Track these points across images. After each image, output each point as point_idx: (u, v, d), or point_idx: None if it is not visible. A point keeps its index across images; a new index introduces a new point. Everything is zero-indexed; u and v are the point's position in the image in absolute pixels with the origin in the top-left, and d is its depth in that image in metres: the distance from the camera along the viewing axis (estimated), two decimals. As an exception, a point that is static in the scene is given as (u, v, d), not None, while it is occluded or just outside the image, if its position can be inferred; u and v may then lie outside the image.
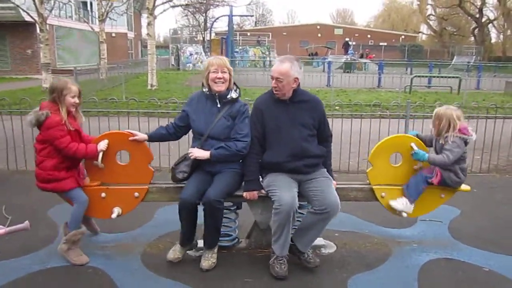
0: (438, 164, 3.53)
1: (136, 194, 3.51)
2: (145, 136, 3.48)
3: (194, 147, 3.40)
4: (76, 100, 3.32)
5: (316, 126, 3.41)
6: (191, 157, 3.35)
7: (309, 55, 40.26)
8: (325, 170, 3.48)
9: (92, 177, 3.51)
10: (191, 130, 3.56)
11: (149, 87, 16.75)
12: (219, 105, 3.39)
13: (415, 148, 3.59)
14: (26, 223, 2.20)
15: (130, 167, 3.51)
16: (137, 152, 3.48)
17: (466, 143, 3.53)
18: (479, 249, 3.75)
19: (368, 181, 3.73)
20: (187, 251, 3.50)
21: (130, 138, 3.44)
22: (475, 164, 6.26)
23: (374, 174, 3.69)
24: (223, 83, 3.35)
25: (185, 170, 3.39)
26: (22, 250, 3.56)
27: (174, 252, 3.44)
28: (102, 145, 3.37)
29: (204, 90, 3.44)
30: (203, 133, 3.37)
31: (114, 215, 3.46)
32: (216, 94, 3.37)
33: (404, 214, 3.66)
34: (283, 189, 3.19)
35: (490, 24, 48.76)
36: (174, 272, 3.29)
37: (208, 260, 3.33)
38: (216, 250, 3.41)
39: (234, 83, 3.47)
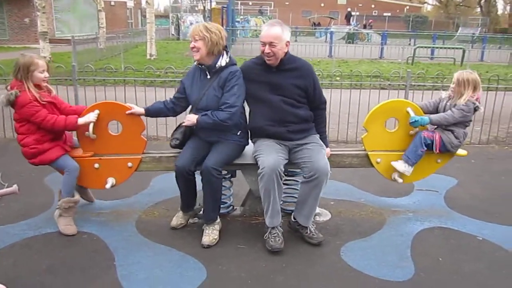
0: (442, 121, 3.54)
1: (130, 164, 3.49)
2: (142, 110, 3.42)
3: None
4: (46, 74, 3.26)
5: (305, 93, 3.31)
6: (183, 124, 3.32)
7: (311, 25, 39.54)
8: (317, 136, 3.41)
9: (85, 148, 3.48)
10: None
11: (148, 56, 16.58)
12: (208, 76, 3.27)
13: (412, 114, 3.54)
14: (15, 186, 2.19)
15: (122, 137, 3.48)
16: (129, 122, 3.44)
17: (475, 110, 3.58)
18: (473, 219, 3.75)
19: (363, 147, 3.70)
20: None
21: (127, 112, 3.38)
22: (475, 135, 6.22)
23: (369, 140, 3.64)
24: (197, 51, 3.17)
25: (177, 137, 3.35)
26: (19, 216, 3.59)
27: (177, 219, 3.46)
28: (92, 116, 3.32)
29: (195, 63, 3.34)
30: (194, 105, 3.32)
31: (108, 186, 3.45)
32: (203, 65, 3.25)
33: (400, 180, 3.65)
34: (266, 153, 3.16)
35: (497, -5, 47.79)
36: (168, 238, 3.31)
37: (209, 235, 3.24)
38: (217, 226, 3.33)
39: (225, 49, 3.26)
